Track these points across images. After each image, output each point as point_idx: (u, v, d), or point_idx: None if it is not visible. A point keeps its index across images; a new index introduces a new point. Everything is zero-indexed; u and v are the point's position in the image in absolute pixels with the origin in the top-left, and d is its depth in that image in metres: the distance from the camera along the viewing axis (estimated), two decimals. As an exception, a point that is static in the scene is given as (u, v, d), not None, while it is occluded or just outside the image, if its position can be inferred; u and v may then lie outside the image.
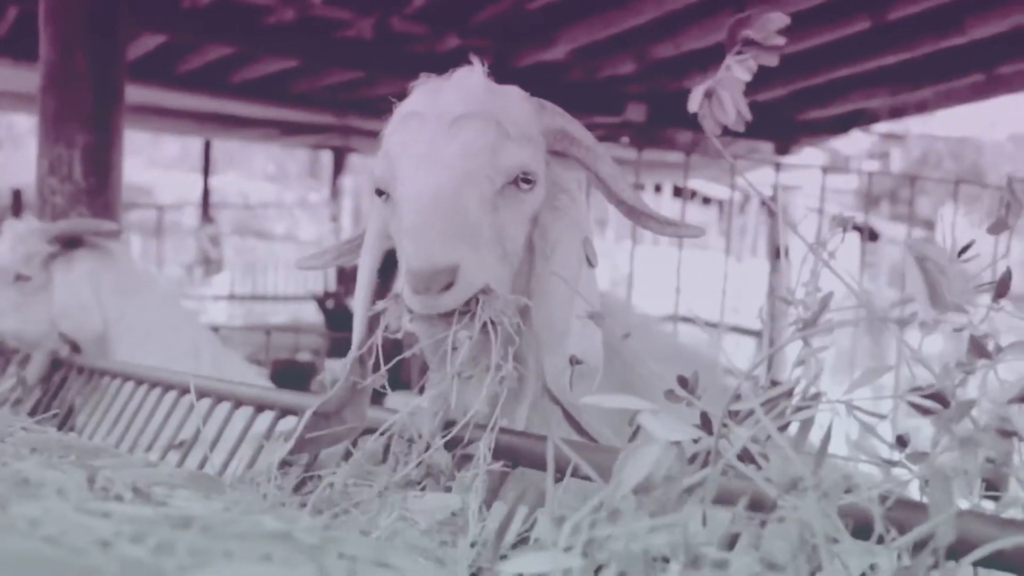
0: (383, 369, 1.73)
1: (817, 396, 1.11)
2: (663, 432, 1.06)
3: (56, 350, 3.50)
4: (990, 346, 1.06)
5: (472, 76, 1.79)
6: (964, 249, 1.15)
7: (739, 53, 1.23)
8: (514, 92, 1.81)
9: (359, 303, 1.82)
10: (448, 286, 1.55)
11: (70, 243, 3.70)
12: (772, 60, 1.24)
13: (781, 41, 1.22)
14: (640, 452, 1.05)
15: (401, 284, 1.62)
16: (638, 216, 1.88)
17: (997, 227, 1.19)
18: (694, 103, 1.22)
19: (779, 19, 1.23)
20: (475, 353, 1.60)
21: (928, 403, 1.06)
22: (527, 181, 1.74)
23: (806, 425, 1.09)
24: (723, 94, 1.20)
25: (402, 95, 1.83)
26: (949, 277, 1.03)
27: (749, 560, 0.93)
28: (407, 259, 1.58)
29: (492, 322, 1.58)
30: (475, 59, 1.81)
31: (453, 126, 1.69)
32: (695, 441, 1.08)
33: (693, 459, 1.07)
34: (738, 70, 1.21)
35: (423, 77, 1.83)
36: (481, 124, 1.71)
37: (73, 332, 3.58)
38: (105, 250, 3.76)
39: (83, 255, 3.69)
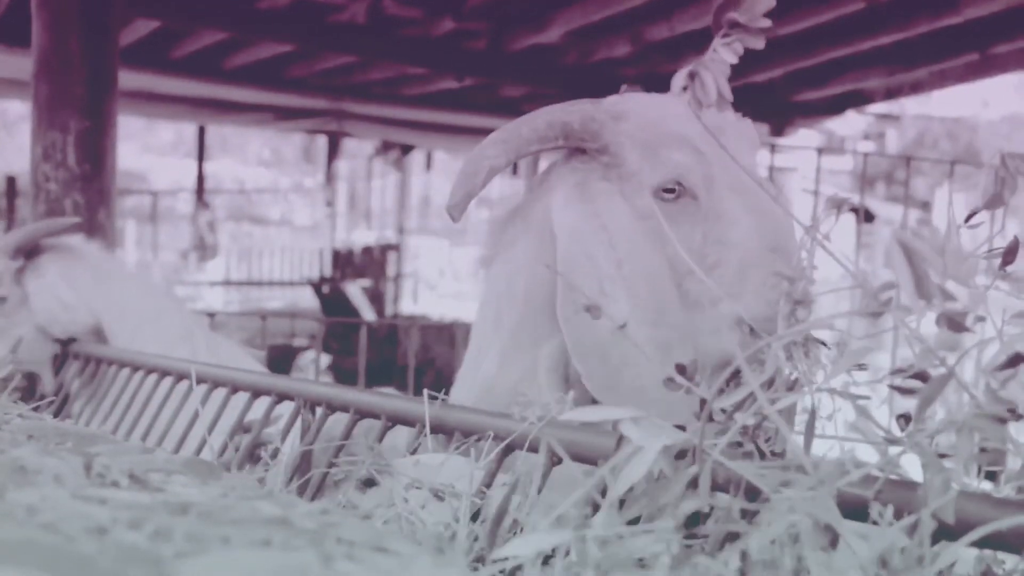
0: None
1: (796, 384, 1.11)
2: (646, 440, 1.06)
3: (57, 356, 3.47)
4: (968, 321, 1.06)
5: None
6: (969, 217, 1.16)
7: (725, 36, 1.24)
8: None
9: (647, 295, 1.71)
10: None
11: (33, 252, 3.61)
12: (759, 43, 1.24)
13: (767, 23, 1.22)
14: (634, 460, 1.04)
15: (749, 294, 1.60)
16: None
17: (993, 203, 1.19)
18: (677, 83, 1.22)
19: (765, 1, 1.23)
20: None
21: (913, 384, 1.06)
22: None
23: (790, 411, 1.09)
24: (705, 74, 1.20)
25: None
26: (947, 258, 1.03)
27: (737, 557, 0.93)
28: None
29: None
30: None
31: (748, 153, 1.70)
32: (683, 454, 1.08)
33: (682, 455, 1.07)
34: (725, 52, 1.21)
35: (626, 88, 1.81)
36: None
37: (66, 332, 3.53)
38: (68, 247, 3.69)
39: (49, 259, 3.61)
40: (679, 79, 1.22)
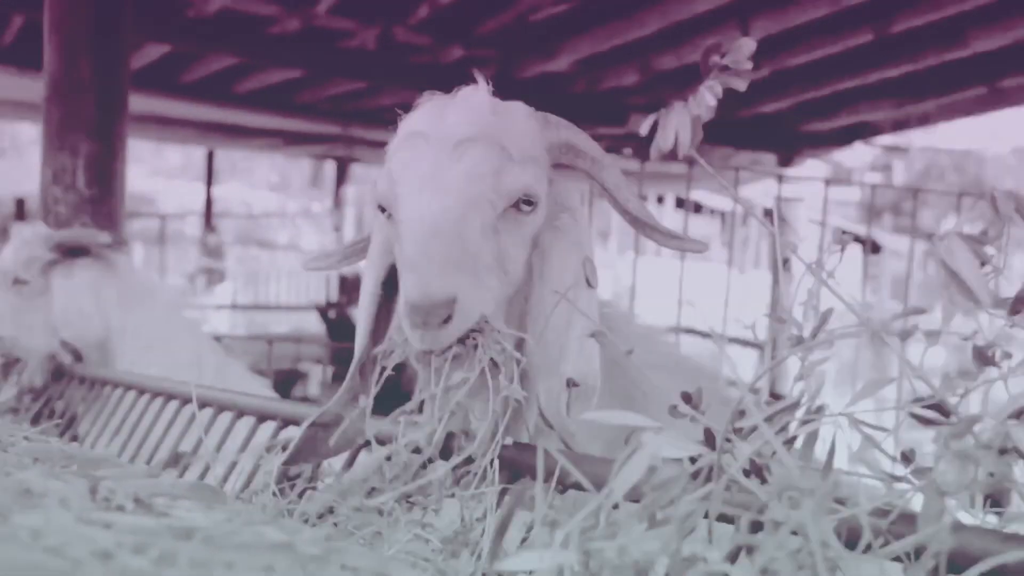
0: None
1: (820, 409, 1.11)
2: (665, 449, 1.06)
3: (54, 355, 3.50)
4: (996, 355, 1.06)
5: (476, 95, 1.77)
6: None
7: (713, 78, 1.25)
8: (518, 109, 1.80)
9: (362, 316, 1.80)
10: (447, 319, 1.54)
11: (73, 252, 3.69)
12: (741, 85, 1.25)
13: (749, 66, 1.24)
14: (632, 460, 1.05)
15: (401, 315, 1.61)
16: (643, 227, 1.87)
17: (987, 239, 1.19)
18: (644, 129, 1.24)
19: (747, 45, 1.24)
20: (474, 385, 1.59)
21: (930, 414, 1.06)
22: (528, 203, 1.73)
23: (810, 439, 1.09)
24: (666, 122, 1.22)
25: (406, 106, 1.81)
26: (970, 281, 1.04)
27: (748, 571, 0.93)
28: (405, 290, 1.57)
29: (494, 361, 1.57)
30: (479, 76, 1.79)
31: (456, 149, 1.68)
32: (696, 459, 1.08)
33: (697, 475, 1.07)
34: (707, 95, 1.23)
35: (427, 94, 1.82)
36: (484, 148, 1.69)
37: (74, 339, 3.59)
38: (108, 261, 3.76)
39: (85, 264, 3.69)
40: (647, 124, 1.24)
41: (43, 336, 3.57)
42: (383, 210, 1.78)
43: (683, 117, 1.22)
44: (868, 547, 0.98)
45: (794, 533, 0.95)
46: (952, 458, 0.98)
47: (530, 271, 1.77)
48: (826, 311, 1.14)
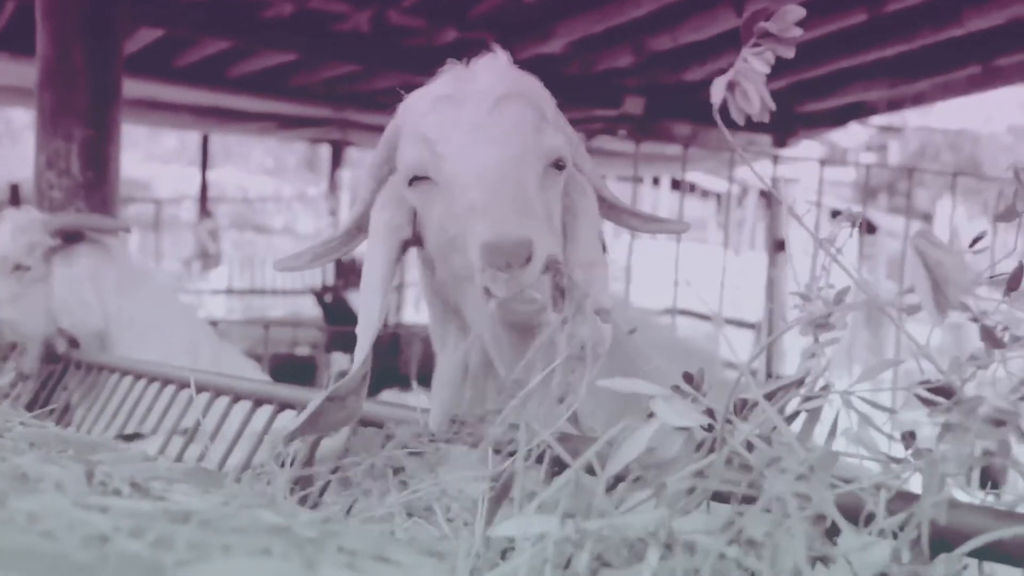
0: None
1: (825, 388, 1.11)
2: (674, 417, 1.06)
3: (51, 341, 3.50)
4: (1004, 337, 1.06)
5: (500, 61, 1.78)
6: (975, 241, 1.16)
7: (755, 46, 1.23)
8: (535, 79, 1.81)
9: (373, 295, 1.77)
10: (527, 260, 1.50)
11: (70, 237, 3.69)
12: (789, 52, 1.23)
13: (798, 32, 1.22)
14: (638, 432, 1.05)
15: (476, 268, 1.56)
16: (620, 214, 1.87)
17: (1005, 215, 1.19)
18: (717, 94, 1.20)
19: (796, 11, 1.23)
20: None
21: (935, 397, 1.05)
22: (559, 166, 1.73)
23: (812, 417, 1.09)
24: (747, 85, 1.19)
25: (401, 88, 1.81)
26: (949, 270, 1.03)
27: (730, 542, 0.93)
28: (481, 236, 1.52)
29: (562, 294, 1.53)
30: (497, 48, 1.80)
31: (498, 105, 1.68)
32: (704, 429, 1.08)
33: (698, 448, 1.08)
34: (756, 62, 1.20)
35: (449, 63, 1.81)
36: (523, 105, 1.70)
37: (74, 328, 3.58)
38: (105, 246, 3.76)
39: (84, 250, 3.69)
40: (718, 89, 1.21)
41: (42, 322, 3.58)
42: (411, 181, 1.75)
43: (756, 76, 1.20)
44: (866, 523, 0.98)
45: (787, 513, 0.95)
46: (951, 436, 0.98)
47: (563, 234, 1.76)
48: (842, 289, 1.14)
